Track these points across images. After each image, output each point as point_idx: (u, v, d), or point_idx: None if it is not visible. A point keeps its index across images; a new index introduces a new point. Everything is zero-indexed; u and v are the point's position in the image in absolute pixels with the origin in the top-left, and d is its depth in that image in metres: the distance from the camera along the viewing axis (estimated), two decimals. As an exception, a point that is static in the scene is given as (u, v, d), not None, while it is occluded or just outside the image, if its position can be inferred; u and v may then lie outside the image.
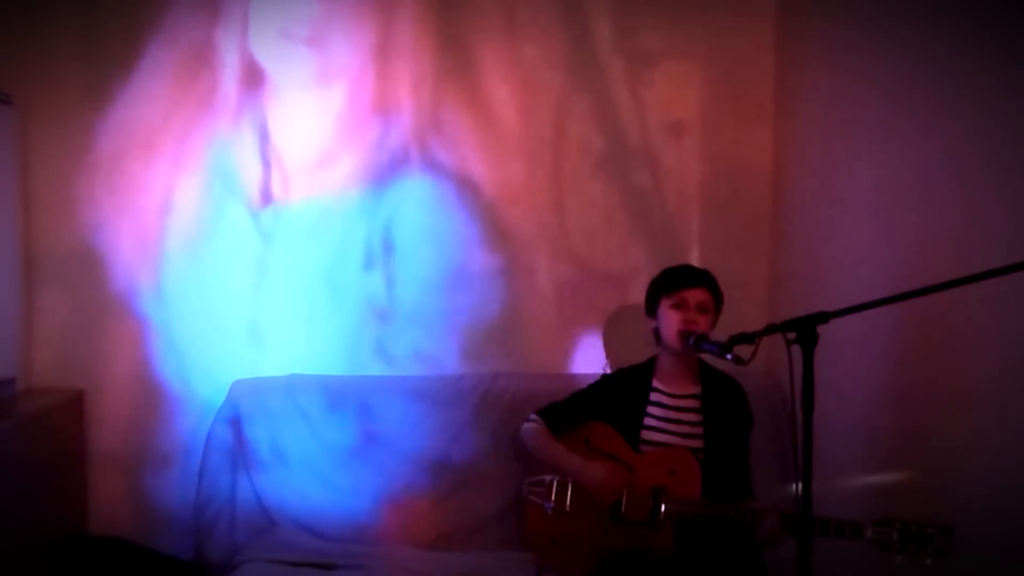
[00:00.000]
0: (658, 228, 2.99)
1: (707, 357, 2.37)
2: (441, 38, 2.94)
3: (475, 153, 2.97)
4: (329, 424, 2.80)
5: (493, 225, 2.98)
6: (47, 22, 2.83)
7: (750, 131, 2.99)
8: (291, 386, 2.85)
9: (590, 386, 2.58)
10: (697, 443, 2.37)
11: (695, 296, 2.35)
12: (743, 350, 1.88)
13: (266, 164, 2.94)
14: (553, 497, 2.43)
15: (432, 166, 2.97)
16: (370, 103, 2.95)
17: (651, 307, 2.45)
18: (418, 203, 2.97)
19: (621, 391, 2.48)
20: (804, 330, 1.62)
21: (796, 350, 1.62)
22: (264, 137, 2.93)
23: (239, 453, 2.78)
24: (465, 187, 2.97)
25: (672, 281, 2.39)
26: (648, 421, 2.41)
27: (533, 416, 2.55)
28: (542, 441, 2.49)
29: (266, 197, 2.95)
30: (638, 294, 2.52)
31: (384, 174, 2.97)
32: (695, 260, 2.97)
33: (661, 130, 2.97)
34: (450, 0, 2.93)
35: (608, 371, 2.86)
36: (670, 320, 2.36)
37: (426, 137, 2.96)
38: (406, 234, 2.98)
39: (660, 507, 2.24)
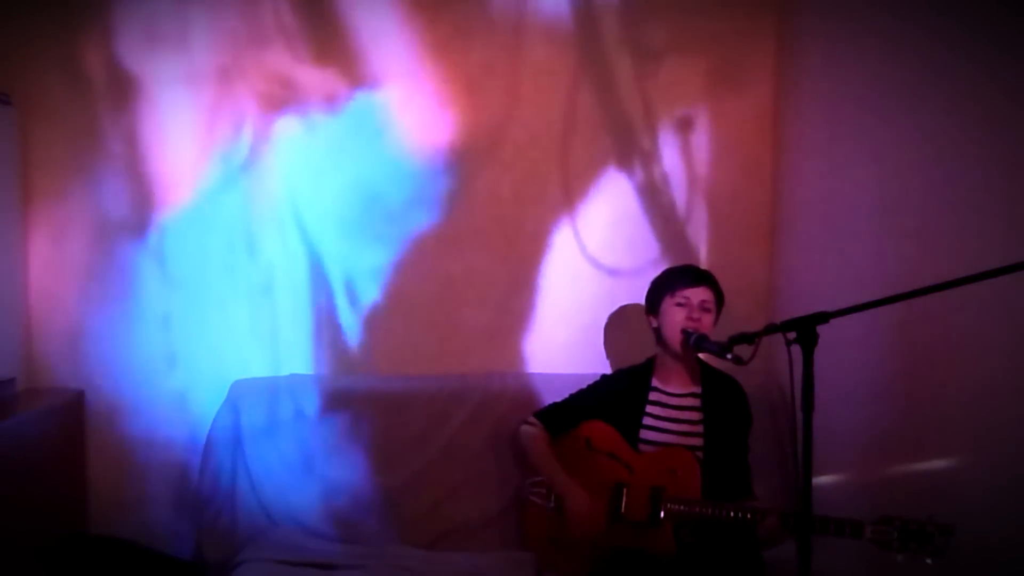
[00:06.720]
0: (661, 227, 2.99)
1: (707, 357, 2.38)
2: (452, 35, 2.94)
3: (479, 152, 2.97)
4: (329, 424, 2.80)
5: (496, 224, 2.98)
6: (47, 22, 2.83)
7: (750, 130, 2.99)
8: (291, 386, 2.85)
9: (589, 386, 2.58)
10: (697, 442, 2.37)
11: (698, 295, 2.36)
12: (743, 350, 1.89)
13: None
14: (553, 497, 2.44)
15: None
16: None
17: (653, 306, 2.45)
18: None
19: (620, 391, 2.49)
20: (804, 330, 1.62)
21: (796, 350, 1.62)
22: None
23: (239, 453, 2.78)
24: (469, 186, 2.97)
25: (676, 280, 2.40)
26: (647, 420, 2.41)
27: (532, 419, 2.56)
28: (537, 449, 2.50)
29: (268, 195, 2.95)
30: (640, 293, 2.53)
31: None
32: (697, 259, 2.98)
33: (666, 128, 2.97)
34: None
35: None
36: (673, 318, 2.37)
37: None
38: (407, 235, 2.98)
39: (660, 507, 2.24)
